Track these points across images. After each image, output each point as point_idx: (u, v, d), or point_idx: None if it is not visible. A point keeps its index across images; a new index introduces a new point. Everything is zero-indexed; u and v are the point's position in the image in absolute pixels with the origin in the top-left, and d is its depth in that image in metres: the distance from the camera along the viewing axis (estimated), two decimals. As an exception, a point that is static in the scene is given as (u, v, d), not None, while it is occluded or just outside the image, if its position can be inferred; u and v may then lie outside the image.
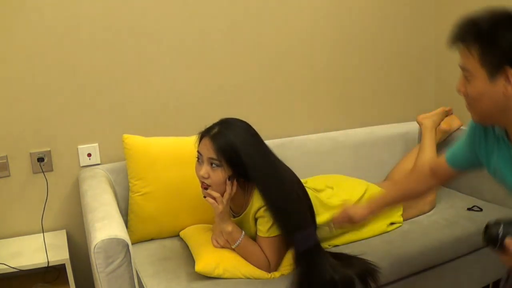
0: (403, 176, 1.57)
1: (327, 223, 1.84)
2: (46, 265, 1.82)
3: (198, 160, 1.66)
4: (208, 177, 1.61)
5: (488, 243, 1.17)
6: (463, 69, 1.24)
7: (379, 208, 1.64)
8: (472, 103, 1.24)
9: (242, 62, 2.27)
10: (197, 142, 1.66)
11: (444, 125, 2.35)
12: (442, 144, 2.38)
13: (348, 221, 1.64)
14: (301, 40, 2.36)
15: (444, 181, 1.54)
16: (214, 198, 1.63)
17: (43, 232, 2.02)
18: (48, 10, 1.94)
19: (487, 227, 1.17)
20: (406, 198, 1.65)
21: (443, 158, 1.49)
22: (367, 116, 2.56)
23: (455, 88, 1.28)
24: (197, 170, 1.65)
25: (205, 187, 1.63)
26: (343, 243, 1.88)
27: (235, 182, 1.62)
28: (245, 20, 2.24)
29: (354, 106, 2.53)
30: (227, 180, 1.60)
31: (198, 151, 1.65)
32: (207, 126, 1.65)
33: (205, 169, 1.61)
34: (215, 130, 1.61)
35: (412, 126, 2.52)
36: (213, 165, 1.60)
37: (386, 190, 1.64)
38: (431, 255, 1.85)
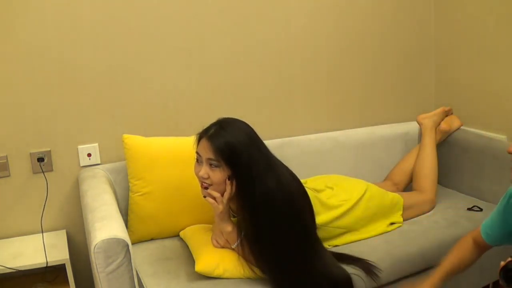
0: (449, 253, 1.55)
1: (328, 222, 1.84)
2: (46, 265, 1.82)
3: (197, 161, 1.66)
4: (208, 178, 1.61)
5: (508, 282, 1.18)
6: None
7: (440, 281, 1.55)
8: None
9: (242, 62, 2.27)
10: (196, 143, 1.66)
11: (444, 125, 2.35)
12: (442, 144, 2.39)
13: None
14: (301, 40, 2.36)
15: (484, 250, 1.54)
16: (214, 198, 1.63)
17: (42, 233, 2.02)
18: (48, 10, 1.94)
19: (506, 267, 1.20)
20: (460, 270, 1.58)
21: (479, 229, 1.51)
22: (367, 116, 2.56)
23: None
24: (196, 171, 1.65)
25: (205, 186, 1.63)
26: (343, 243, 1.88)
27: (234, 182, 1.61)
28: (245, 20, 2.24)
29: (354, 106, 2.53)
30: (227, 180, 1.60)
31: (197, 152, 1.65)
32: (205, 127, 1.65)
33: (204, 169, 1.61)
34: (213, 130, 1.61)
35: (412, 126, 2.52)
36: (212, 165, 1.60)
37: (442, 265, 1.56)
38: (431, 255, 1.85)
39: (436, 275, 1.56)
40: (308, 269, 1.61)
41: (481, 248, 1.52)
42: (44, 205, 2.04)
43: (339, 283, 1.63)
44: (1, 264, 1.80)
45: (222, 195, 1.63)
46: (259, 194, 1.58)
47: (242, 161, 1.58)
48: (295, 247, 1.61)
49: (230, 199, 1.65)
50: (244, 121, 1.68)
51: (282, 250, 1.60)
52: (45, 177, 2.03)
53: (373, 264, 1.71)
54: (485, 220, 1.50)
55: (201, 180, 1.64)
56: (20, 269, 1.80)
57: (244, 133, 1.63)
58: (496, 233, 1.46)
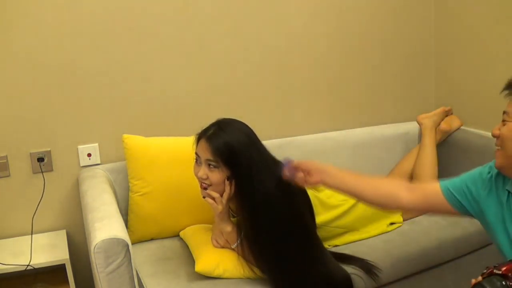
0: (373, 177, 1.39)
1: (328, 222, 1.84)
2: (46, 265, 1.83)
3: (196, 162, 1.66)
4: (207, 178, 1.61)
5: None
6: (506, 113, 1.32)
7: (333, 177, 1.43)
8: (504, 144, 1.26)
9: (242, 62, 2.27)
10: (195, 144, 1.66)
11: (444, 125, 2.35)
12: (442, 144, 2.39)
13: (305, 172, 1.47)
14: (301, 40, 2.36)
15: (418, 203, 1.37)
16: (213, 198, 1.63)
17: (31, 234, 2.01)
18: (48, 11, 1.94)
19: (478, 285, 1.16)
20: (362, 188, 1.40)
21: (436, 184, 1.39)
22: (367, 116, 2.56)
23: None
24: (196, 171, 1.65)
25: (205, 187, 1.63)
26: (343, 243, 1.88)
27: (233, 182, 1.61)
28: (245, 20, 2.24)
29: (354, 106, 2.53)
30: (226, 180, 1.60)
31: (196, 153, 1.65)
32: (204, 127, 1.65)
33: (203, 170, 1.62)
34: (211, 131, 1.61)
35: (412, 126, 2.52)
36: (211, 166, 1.60)
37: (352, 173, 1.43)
38: (431, 255, 1.85)
39: (337, 172, 1.43)
40: (307, 269, 1.61)
41: (422, 197, 1.35)
42: (38, 205, 2.03)
43: (339, 283, 1.63)
44: (1, 263, 1.81)
45: (222, 195, 1.63)
46: (258, 194, 1.58)
47: (241, 162, 1.58)
48: (295, 247, 1.61)
49: (229, 199, 1.65)
50: (243, 122, 1.68)
51: (281, 250, 1.60)
52: (43, 177, 2.03)
53: (373, 264, 1.71)
54: (447, 182, 1.39)
55: (200, 180, 1.64)
56: (20, 269, 1.80)
57: (243, 134, 1.63)
58: (457, 184, 1.37)
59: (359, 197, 1.43)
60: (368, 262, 1.71)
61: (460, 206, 1.38)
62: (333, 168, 1.46)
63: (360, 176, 1.45)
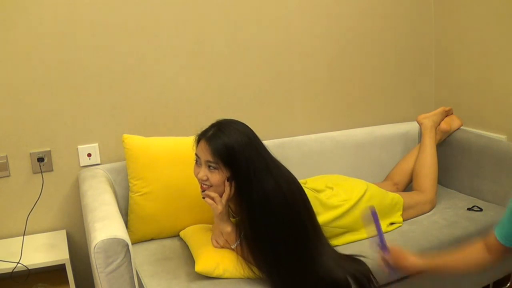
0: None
1: (328, 222, 1.84)
2: (46, 265, 1.83)
3: (196, 163, 1.66)
4: (207, 179, 1.61)
5: None
6: None
7: (434, 266, 1.51)
8: None
9: (242, 62, 2.27)
10: (195, 145, 1.66)
11: (444, 125, 2.35)
12: (442, 144, 2.39)
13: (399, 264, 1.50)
14: (301, 40, 2.36)
15: (499, 257, 1.43)
16: (212, 199, 1.63)
17: (23, 235, 2.00)
18: (48, 10, 1.94)
19: None
20: (453, 268, 1.50)
21: (492, 232, 1.41)
22: (367, 116, 2.56)
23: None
24: (196, 173, 1.65)
25: (205, 188, 1.64)
26: (343, 243, 1.88)
27: (233, 183, 1.61)
28: (245, 20, 2.24)
29: (354, 106, 2.53)
30: (226, 181, 1.60)
31: (196, 154, 1.65)
32: (204, 128, 1.65)
33: (203, 171, 1.62)
34: (211, 132, 1.61)
35: (412, 126, 2.52)
36: (211, 167, 1.60)
37: (437, 256, 1.51)
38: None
39: (432, 260, 1.49)
40: (307, 270, 1.61)
41: (493, 251, 1.43)
42: (34, 205, 2.03)
43: (339, 284, 1.62)
44: (1, 260, 1.81)
45: (222, 196, 1.63)
46: (256, 195, 1.58)
47: (240, 163, 1.58)
48: (294, 248, 1.61)
49: (229, 200, 1.65)
50: (243, 122, 1.68)
51: (280, 250, 1.60)
52: (42, 177, 2.03)
53: (372, 274, 1.69)
54: (498, 224, 1.41)
55: (201, 182, 1.64)
56: (20, 269, 1.80)
57: (242, 134, 1.62)
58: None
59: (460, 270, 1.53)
60: (369, 272, 1.69)
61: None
62: (424, 263, 1.50)
63: (448, 258, 1.51)
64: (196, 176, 1.65)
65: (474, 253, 1.47)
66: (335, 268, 1.64)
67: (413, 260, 1.48)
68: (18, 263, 1.80)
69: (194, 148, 1.66)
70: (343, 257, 1.72)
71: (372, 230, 1.50)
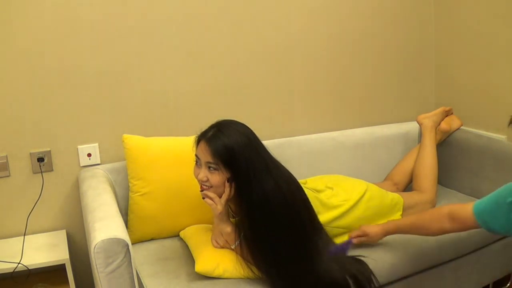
0: (427, 210, 1.60)
1: (328, 222, 1.84)
2: (46, 265, 1.83)
3: (196, 164, 1.66)
4: (207, 180, 1.61)
5: None
6: None
7: (392, 230, 1.76)
8: None
9: (242, 62, 2.27)
10: (195, 146, 1.66)
11: (444, 125, 2.35)
12: (442, 144, 2.39)
13: (365, 239, 1.78)
14: (301, 40, 2.36)
15: (461, 229, 1.53)
16: (211, 199, 1.63)
17: (24, 235, 2.00)
18: (48, 10, 1.94)
19: None
20: (416, 230, 1.67)
21: (470, 209, 1.46)
22: (367, 116, 2.56)
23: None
24: (196, 173, 1.65)
25: (205, 189, 1.63)
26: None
27: (233, 184, 1.61)
28: (245, 20, 2.24)
29: (354, 106, 2.53)
30: (226, 182, 1.60)
31: (196, 155, 1.65)
32: (203, 129, 1.65)
33: (203, 172, 1.62)
34: (211, 133, 1.61)
35: (412, 126, 2.52)
36: (211, 168, 1.60)
37: (405, 217, 1.74)
38: (431, 255, 1.85)
39: (392, 224, 1.72)
40: (307, 270, 1.61)
41: (456, 222, 1.51)
42: (34, 205, 2.03)
43: (339, 284, 1.62)
44: (2, 260, 1.81)
45: (220, 197, 1.63)
46: (256, 196, 1.58)
47: (240, 164, 1.58)
48: (294, 248, 1.61)
49: (229, 200, 1.65)
50: (243, 123, 1.68)
51: (280, 251, 1.60)
52: (42, 177, 2.03)
53: (373, 275, 1.69)
54: (480, 205, 1.46)
55: (201, 183, 1.64)
56: (20, 269, 1.80)
57: (242, 135, 1.62)
58: (497, 225, 1.41)
59: (414, 232, 1.71)
60: (369, 272, 1.69)
61: (490, 229, 1.45)
62: (386, 225, 1.78)
63: (411, 221, 1.69)
64: (196, 177, 1.65)
65: (437, 220, 1.56)
66: (335, 268, 1.64)
67: (375, 232, 1.77)
68: (19, 263, 1.80)
69: (194, 149, 1.66)
70: (343, 257, 1.72)
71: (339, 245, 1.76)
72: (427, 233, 1.63)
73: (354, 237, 1.80)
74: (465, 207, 1.48)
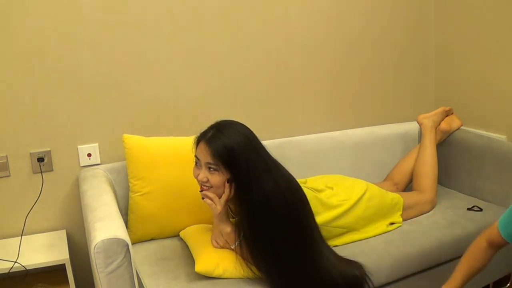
0: (464, 257, 1.55)
1: (328, 222, 1.84)
2: (46, 265, 1.83)
3: (196, 164, 1.66)
4: (207, 181, 1.61)
5: None
6: None
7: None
8: None
9: (242, 62, 2.27)
10: (194, 146, 1.66)
11: (444, 125, 2.35)
12: (442, 144, 2.39)
13: None
14: (301, 40, 2.36)
15: (501, 248, 1.52)
16: (211, 199, 1.63)
17: (21, 236, 2.00)
18: (48, 10, 1.94)
19: None
20: (473, 276, 1.58)
21: (496, 228, 1.46)
22: (367, 116, 2.56)
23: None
24: (195, 174, 1.65)
25: (205, 189, 1.63)
26: (343, 243, 1.88)
27: (233, 185, 1.61)
28: (245, 21, 2.24)
29: (354, 106, 2.53)
30: (226, 183, 1.60)
31: (195, 156, 1.65)
32: (203, 130, 1.65)
33: (203, 173, 1.62)
34: (211, 133, 1.61)
35: (412, 126, 2.52)
36: (211, 169, 1.60)
37: (454, 275, 1.56)
38: (431, 255, 1.85)
39: (457, 281, 1.56)
40: (306, 270, 1.61)
41: (496, 247, 1.51)
42: (34, 205, 2.03)
43: (339, 284, 1.62)
44: (2, 260, 1.81)
45: (220, 197, 1.63)
46: (256, 196, 1.58)
47: (240, 164, 1.58)
48: (293, 248, 1.61)
49: (228, 201, 1.65)
50: (242, 123, 1.68)
51: (280, 251, 1.60)
52: (42, 177, 2.03)
53: (368, 276, 1.69)
54: (503, 219, 1.47)
55: (201, 183, 1.64)
56: (20, 269, 1.80)
57: (242, 136, 1.62)
58: None
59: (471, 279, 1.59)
60: (364, 273, 1.69)
61: None
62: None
63: (466, 274, 1.57)
64: (196, 177, 1.65)
65: (483, 256, 1.53)
66: (333, 268, 1.64)
67: None
68: (15, 262, 1.80)
69: (194, 149, 1.66)
70: (340, 258, 1.72)
71: None
72: (482, 269, 1.57)
73: None
74: (493, 229, 1.48)
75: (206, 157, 1.60)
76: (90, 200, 1.73)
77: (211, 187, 1.62)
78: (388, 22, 2.51)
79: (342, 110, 2.51)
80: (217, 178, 1.60)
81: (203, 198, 1.65)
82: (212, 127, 1.64)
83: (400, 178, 2.32)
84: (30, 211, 2.02)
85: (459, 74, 2.51)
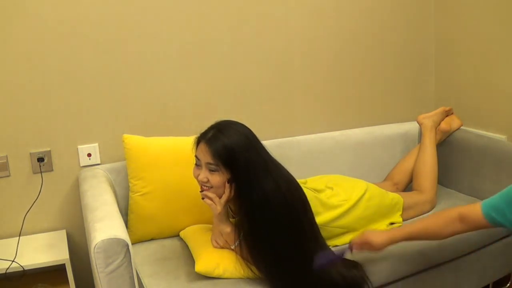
0: (432, 214, 1.54)
1: (328, 222, 1.84)
2: (46, 265, 1.83)
3: (196, 164, 1.66)
4: (208, 181, 1.61)
5: None
6: None
7: (399, 238, 1.61)
8: None
9: (242, 62, 2.27)
10: (194, 147, 1.66)
11: (444, 125, 2.35)
12: (442, 144, 2.39)
13: (367, 247, 1.62)
14: (301, 40, 2.36)
15: (473, 229, 1.51)
16: (211, 199, 1.63)
17: (19, 236, 2.00)
18: (48, 10, 1.94)
19: None
20: (428, 236, 1.60)
21: (478, 208, 1.45)
22: (367, 116, 2.56)
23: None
24: (196, 174, 1.65)
25: (205, 190, 1.63)
26: (343, 243, 1.88)
27: (233, 185, 1.61)
28: (245, 21, 2.24)
29: (354, 106, 2.53)
30: (226, 183, 1.60)
31: (196, 156, 1.65)
32: (203, 130, 1.65)
33: (203, 173, 1.62)
34: (211, 134, 1.61)
35: (412, 126, 2.52)
36: (211, 169, 1.60)
37: (410, 223, 1.60)
38: (431, 255, 1.85)
39: (399, 231, 1.59)
40: (306, 270, 1.61)
41: (467, 223, 1.48)
42: (32, 205, 2.03)
43: (337, 285, 1.62)
44: (2, 259, 1.81)
45: (222, 197, 1.63)
46: (256, 196, 1.58)
47: (240, 164, 1.58)
48: (293, 249, 1.61)
49: (228, 201, 1.65)
50: (242, 123, 1.68)
51: (279, 251, 1.60)
52: (42, 177, 2.03)
53: (365, 272, 1.69)
54: (488, 202, 1.46)
55: (201, 183, 1.64)
56: (18, 269, 1.80)
57: (242, 136, 1.62)
58: (505, 219, 1.41)
59: (424, 238, 1.62)
60: (363, 273, 1.69)
61: (500, 225, 1.44)
62: (392, 233, 1.61)
63: (421, 227, 1.60)
64: (196, 178, 1.65)
65: (448, 223, 1.52)
66: (332, 269, 1.64)
67: (380, 241, 1.59)
68: (12, 261, 1.80)
69: (194, 150, 1.66)
70: (341, 259, 1.72)
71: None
72: (438, 237, 1.57)
73: (355, 246, 1.64)
74: (474, 207, 1.47)
75: (206, 157, 1.60)
76: (90, 200, 1.73)
77: (211, 187, 1.62)
78: (388, 22, 2.51)
79: (342, 110, 2.51)
80: (217, 178, 1.60)
81: (203, 198, 1.65)
82: (212, 127, 1.64)
83: (400, 178, 2.32)
84: (28, 211, 2.02)
85: (459, 74, 2.51)
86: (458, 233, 1.53)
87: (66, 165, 2.08)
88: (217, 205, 1.63)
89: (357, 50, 2.48)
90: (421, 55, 2.62)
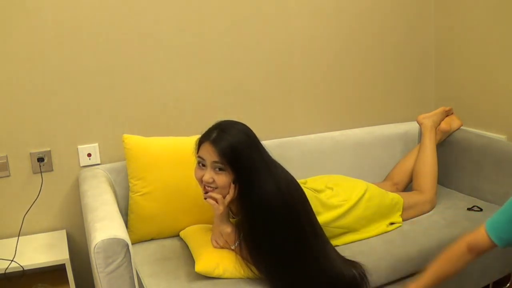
0: (439, 258, 1.52)
1: (328, 223, 1.84)
2: (46, 265, 1.83)
3: (199, 165, 1.64)
4: (213, 182, 1.60)
5: None
6: None
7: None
8: None
9: (242, 62, 2.27)
10: (196, 148, 1.65)
11: (444, 125, 2.35)
12: (442, 144, 2.39)
13: None
14: (301, 40, 2.36)
15: (482, 254, 1.48)
16: (215, 200, 1.62)
17: (18, 236, 2.00)
18: (48, 11, 1.94)
19: None
20: (446, 278, 1.55)
21: (483, 232, 1.43)
22: (367, 116, 2.56)
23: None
24: (199, 175, 1.63)
25: (208, 191, 1.63)
26: (343, 243, 1.88)
27: (237, 186, 1.61)
28: (245, 21, 2.24)
29: (354, 106, 2.53)
30: (232, 183, 1.60)
31: (199, 156, 1.64)
32: (204, 131, 1.64)
33: (209, 174, 1.60)
34: (215, 134, 1.60)
35: (412, 126, 2.52)
36: (217, 168, 1.59)
37: (423, 274, 1.54)
38: (431, 255, 1.85)
39: (423, 281, 1.53)
40: (306, 270, 1.61)
41: (478, 252, 1.46)
42: (32, 205, 2.03)
43: (339, 284, 1.62)
44: (1, 259, 1.81)
45: (225, 197, 1.62)
46: (256, 196, 1.58)
47: (243, 163, 1.58)
48: (293, 249, 1.61)
49: (230, 201, 1.65)
50: (243, 123, 1.68)
51: (279, 251, 1.60)
52: (42, 177, 2.03)
53: (366, 276, 1.69)
54: (492, 222, 1.44)
55: (205, 184, 1.62)
56: (18, 268, 1.80)
57: (244, 135, 1.62)
58: (507, 229, 1.39)
59: (441, 281, 1.56)
60: (363, 273, 1.69)
61: (510, 244, 1.42)
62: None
63: (436, 274, 1.54)
64: (199, 179, 1.63)
65: (460, 261, 1.49)
66: (332, 269, 1.64)
67: None
68: (12, 260, 1.80)
69: (195, 152, 1.65)
70: (341, 258, 1.72)
71: None
72: (455, 274, 1.54)
73: None
74: (479, 233, 1.45)
75: (212, 157, 1.58)
76: (90, 200, 1.73)
77: (216, 187, 1.61)
78: (388, 22, 2.51)
79: (342, 110, 2.51)
80: (224, 178, 1.59)
81: (205, 198, 1.64)
82: (214, 127, 1.64)
83: (400, 178, 2.32)
84: (28, 211, 2.02)
85: (459, 74, 2.51)
86: (471, 262, 1.50)
87: (66, 165, 2.08)
88: (220, 205, 1.62)
89: (357, 50, 2.48)
90: (421, 55, 2.62)
